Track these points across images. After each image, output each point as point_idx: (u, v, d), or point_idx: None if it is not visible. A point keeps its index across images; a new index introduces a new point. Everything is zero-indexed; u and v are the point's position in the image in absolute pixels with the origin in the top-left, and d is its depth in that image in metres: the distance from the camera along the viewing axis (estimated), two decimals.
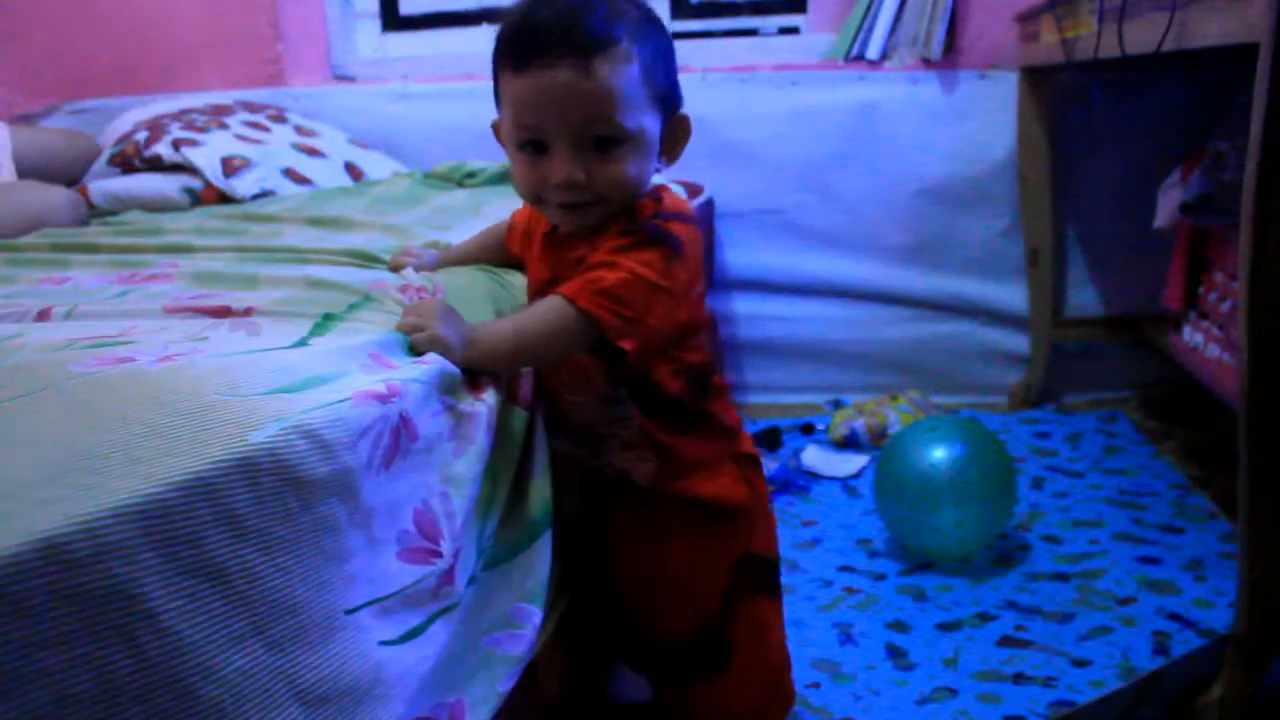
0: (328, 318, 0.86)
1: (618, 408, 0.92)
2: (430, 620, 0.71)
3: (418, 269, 1.07)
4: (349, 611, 0.63)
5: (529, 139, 0.86)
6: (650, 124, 0.87)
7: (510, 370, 0.89)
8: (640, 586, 1.01)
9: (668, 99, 0.90)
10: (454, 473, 0.75)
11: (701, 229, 0.92)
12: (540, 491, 0.89)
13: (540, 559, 0.85)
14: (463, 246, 1.17)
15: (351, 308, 0.89)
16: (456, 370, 0.79)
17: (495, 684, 0.76)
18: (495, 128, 0.93)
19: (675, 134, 0.92)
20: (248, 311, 0.88)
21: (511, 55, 0.84)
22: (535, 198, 0.90)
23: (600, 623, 1.06)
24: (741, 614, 0.98)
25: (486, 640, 0.78)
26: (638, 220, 0.87)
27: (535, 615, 0.82)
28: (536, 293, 0.96)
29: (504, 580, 0.83)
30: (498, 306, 0.99)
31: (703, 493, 0.96)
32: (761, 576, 1.01)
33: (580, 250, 0.89)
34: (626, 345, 0.84)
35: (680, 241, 0.86)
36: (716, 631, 0.98)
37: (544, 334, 0.84)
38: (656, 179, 0.93)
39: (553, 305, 0.84)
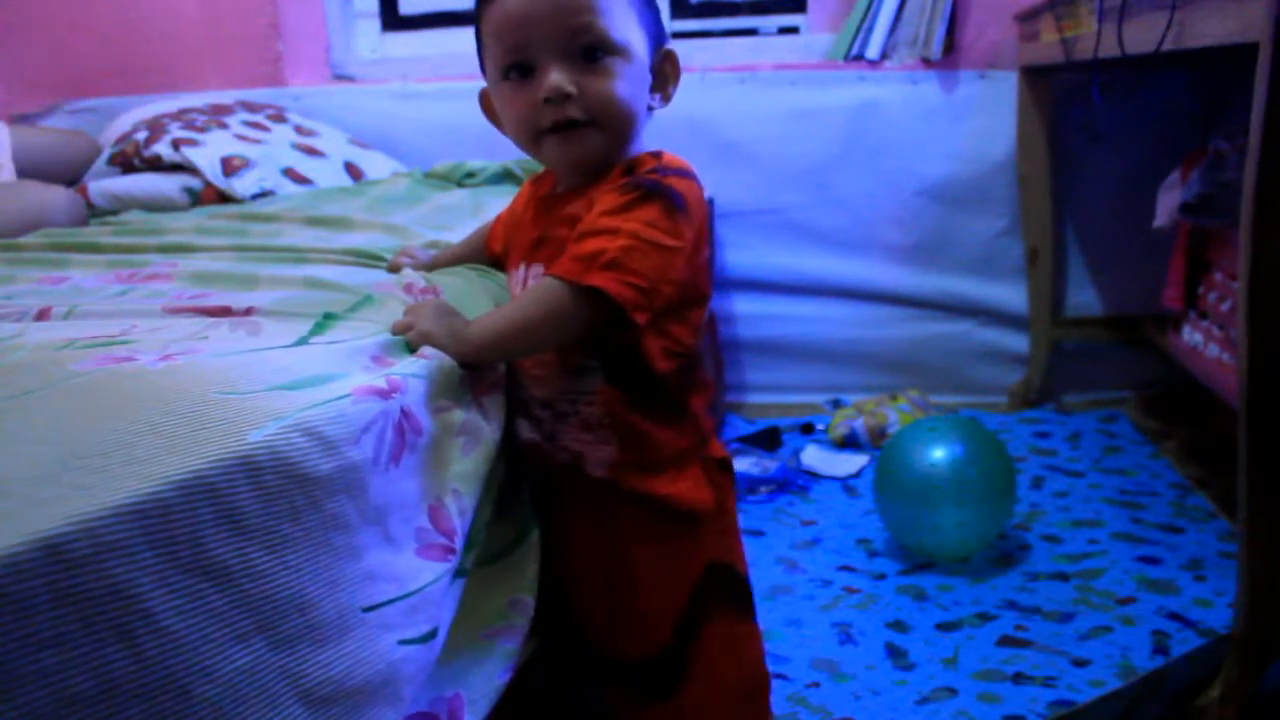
0: (329, 317, 0.85)
1: (585, 379, 0.85)
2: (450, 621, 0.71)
3: (415, 269, 1.07)
4: (366, 609, 0.63)
5: (513, 61, 0.83)
6: (638, 43, 0.85)
7: (511, 359, 0.87)
8: (593, 593, 0.91)
9: (653, 26, 0.88)
10: (465, 469, 0.75)
11: (705, 189, 0.87)
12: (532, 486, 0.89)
13: (533, 553, 0.85)
14: (453, 249, 1.15)
15: (353, 308, 0.89)
16: (456, 365, 0.79)
17: (494, 678, 0.76)
18: (483, 98, 0.91)
19: (665, 69, 0.90)
20: (248, 311, 0.87)
21: None
22: (531, 131, 0.86)
23: (558, 638, 0.97)
24: (708, 630, 0.89)
25: (485, 633, 0.79)
26: (635, 175, 0.83)
27: (531, 607, 0.82)
28: (524, 256, 0.91)
29: (501, 574, 0.83)
30: (498, 305, 0.99)
31: (660, 492, 0.87)
32: (730, 590, 0.92)
33: (574, 206, 0.85)
34: (640, 319, 0.79)
35: (682, 196, 0.82)
36: (674, 649, 0.88)
37: (542, 319, 0.80)
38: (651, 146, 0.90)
39: (548, 288, 0.79)
